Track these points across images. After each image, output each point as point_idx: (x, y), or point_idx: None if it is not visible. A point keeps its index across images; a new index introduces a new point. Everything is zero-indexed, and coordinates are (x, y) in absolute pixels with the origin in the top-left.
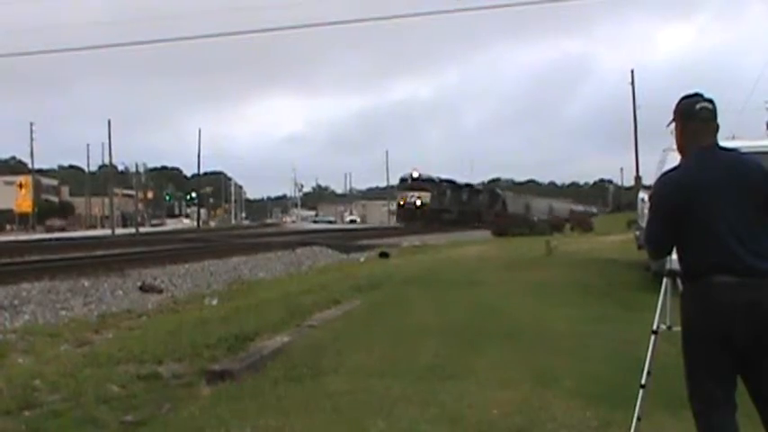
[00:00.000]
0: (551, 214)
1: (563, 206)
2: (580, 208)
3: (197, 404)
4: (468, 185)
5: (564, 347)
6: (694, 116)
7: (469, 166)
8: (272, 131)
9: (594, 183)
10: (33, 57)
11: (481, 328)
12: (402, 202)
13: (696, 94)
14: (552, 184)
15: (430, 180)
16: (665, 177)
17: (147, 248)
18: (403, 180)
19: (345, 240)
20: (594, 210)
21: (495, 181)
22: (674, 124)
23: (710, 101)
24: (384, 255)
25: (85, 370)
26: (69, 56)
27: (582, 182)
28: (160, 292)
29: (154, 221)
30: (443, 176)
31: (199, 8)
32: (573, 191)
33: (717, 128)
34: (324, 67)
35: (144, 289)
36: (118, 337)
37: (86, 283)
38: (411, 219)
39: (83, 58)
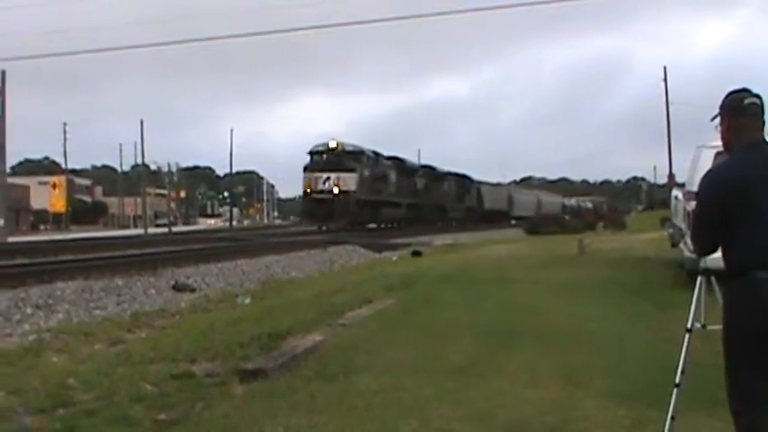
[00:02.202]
0: (539, 211)
1: (553, 200)
2: (587, 204)
3: (230, 403)
4: (427, 168)
5: (596, 346)
6: (742, 111)
7: (501, 165)
8: (306, 130)
9: (627, 180)
10: (66, 57)
11: (513, 327)
12: (308, 189)
13: (744, 90)
14: (585, 182)
15: (357, 154)
16: (712, 173)
17: (179, 248)
18: (313, 154)
19: (378, 239)
20: (603, 203)
21: (527, 179)
22: (718, 119)
23: (758, 96)
24: (416, 253)
25: (119, 369)
26: (102, 56)
27: (615, 179)
28: (193, 291)
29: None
30: (389, 154)
31: (232, 7)
32: (605, 189)
33: (764, 124)
34: (358, 66)
35: (177, 288)
36: (151, 336)
37: (120, 283)
38: (324, 215)
39: (115, 59)
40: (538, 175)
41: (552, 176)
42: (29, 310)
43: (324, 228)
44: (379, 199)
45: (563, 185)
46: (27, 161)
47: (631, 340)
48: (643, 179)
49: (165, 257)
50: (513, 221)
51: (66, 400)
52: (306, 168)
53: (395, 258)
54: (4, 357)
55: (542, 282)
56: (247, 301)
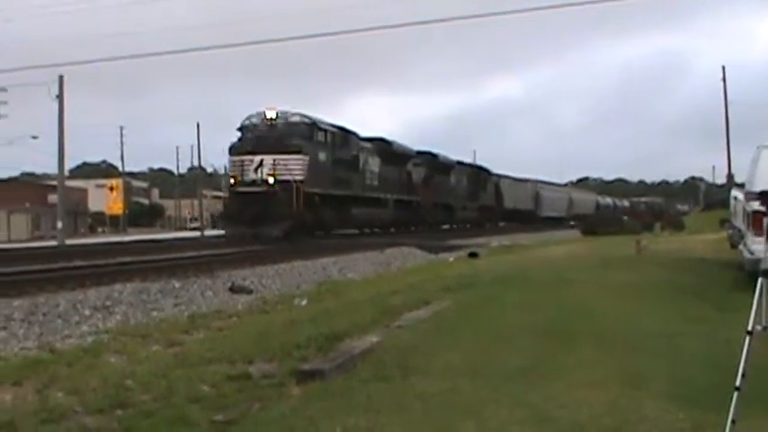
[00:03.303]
0: (570, 211)
1: (586, 198)
2: (623, 203)
3: (287, 404)
4: (427, 155)
5: (655, 348)
6: None
7: (559, 166)
8: (362, 131)
9: (685, 181)
10: (123, 61)
11: (571, 328)
12: (234, 181)
13: None
14: (642, 182)
15: (308, 128)
16: None
17: (236, 249)
18: (243, 130)
19: (434, 240)
20: (660, 203)
21: (584, 180)
22: None
23: None
24: (473, 255)
25: (176, 370)
26: (157, 60)
27: (672, 180)
28: (249, 292)
29: None
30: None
31: (287, 10)
32: (663, 189)
33: None
34: (416, 67)
35: (233, 290)
36: (208, 337)
37: (177, 284)
38: (252, 218)
39: (171, 62)
40: (594, 175)
41: (609, 177)
42: (87, 312)
43: (256, 237)
44: (347, 193)
45: (619, 186)
46: (85, 164)
47: (691, 342)
48: (701, 179)
49: (221, 259)
50: (540, 223)
51: (124, 400)
52: (231, 150)
53: (451, 260)
54: (63, 358)
55: (600, 283)
56: (304, 302)
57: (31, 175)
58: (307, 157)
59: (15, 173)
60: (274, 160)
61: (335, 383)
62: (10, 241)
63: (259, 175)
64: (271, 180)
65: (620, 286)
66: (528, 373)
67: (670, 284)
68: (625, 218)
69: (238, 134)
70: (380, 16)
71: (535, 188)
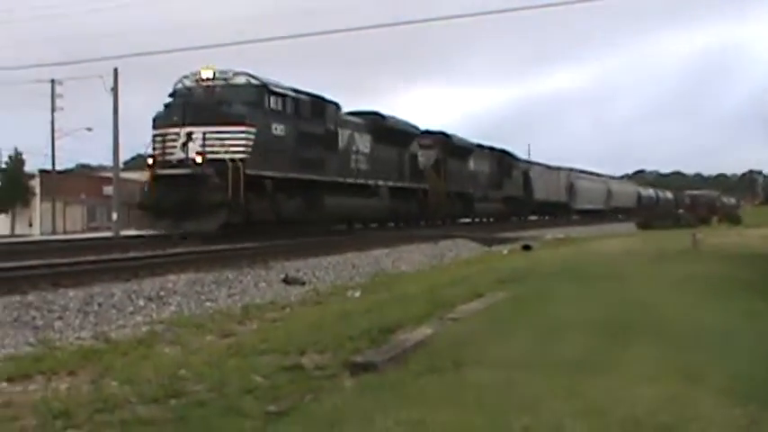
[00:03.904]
0: (608, 203)
1: (626, 190)
2: (666, 195)
3: (340, 395)
4: (439, 135)
5: (712, 343)
6: None
7: (614, 158)
8: (418, 124)
9: (743, 174)
10: (177, 53)
11: (626, 322)
12: (153, 161)
13: None
14: (698, 175)
15: (254, 91)
16: None
17: (290, 241)
18: (173, 96)
19: (488, 233)
20: (717, 197)
21: (640, 173)
22: None
23: None
24: (527, 247)
25: (230, 360)
26: (215, 51)
27: (729, 173)
28: (303, 284)
29: None
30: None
31: (343, 3)
32: (720, 182)
33: None
34: (470, 59)
35: (287, 281)
36: (261, 328)
37: (230, 275)
38: (177, 209)
39: (227, 54)
40: (649, 168)
41: (665, 170)
42: (141, 303)
43: (180, 235)
44: (319, 178)
45: (675, 179)
46: (140, 156)
47: (748, 338)
48: (759, 173)
49: (275, 250)
50: (576, 216)
51: (177, 390)
52: (155, 121)
53: (505, 252)
54: (117, 348)
55: (656, 277)
56: (357, 294)
57: (87, 167)
58: (252, 130)
59: (71, 165)
60: (204, 134)
61: (388, 376)
62: (66, 232)
63: (186, 153)
64: (198, 159)
65: (676, 280)
66: (582, 367)
67: (727, 279)
68: (680, 211)
69: (169, 101)
70: (436, 7)
71: (569, 177)
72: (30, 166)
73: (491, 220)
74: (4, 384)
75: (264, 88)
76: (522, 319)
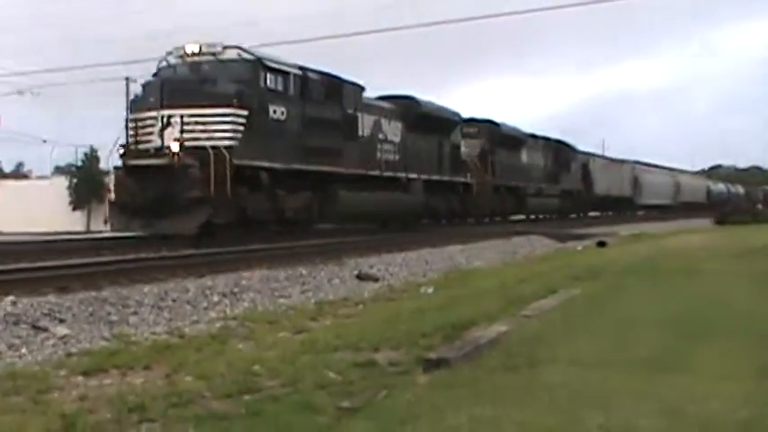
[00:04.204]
0: (677, 197)
1: (696, 184)
2: (738, 189)
3: (413, 392)
4: (486, 123)
5: None
6: None
7: (692, 153)
8: (494, 118)
9: None
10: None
11: (702, 320)
12: (125, 150)
13: None
14: None
15: (247, 67)
16: None
17: (364, 237)
18: (157, 76)
19: (561, 229)
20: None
21: (716, 168)
22: None
23: None
24: (601, 244)
25: (303, 356)
26: (287, 47)
27: None
28: (376, 280)
29: None
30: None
31: None
32: None
33: None
34: (542, 53)
35: (360, 277)
36: (335, 324)
37: (304, 272)
38: (151, 207)
39: (299, 50)
40: (726, 163)
41: (742, 165)
42: (215, 298)
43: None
44: (332, 170)
45: (753, 174)
46: None
47: None
48: None
49: (348, 246)
50: (642, 212)
51: (251, 386)
52: (132, 105)
53: (579, 248)
54: (191, 343)
55: (734, 273)
56: (431, 290)
57: None
58: (242, 112)
59: None
60: (182, 117)
61: (462, 372)
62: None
63: (164, 140)
64: (175, 147)
65: (756, 277)
66: (657, 365)
67: None
68: (759, 206)
69: (150, 80)
70: (507, 3)
71: (633, 171)
72: (105, 164)
73: (546, 217)
74: (80, 378)
75: (259, 64)
76: (597, 317)
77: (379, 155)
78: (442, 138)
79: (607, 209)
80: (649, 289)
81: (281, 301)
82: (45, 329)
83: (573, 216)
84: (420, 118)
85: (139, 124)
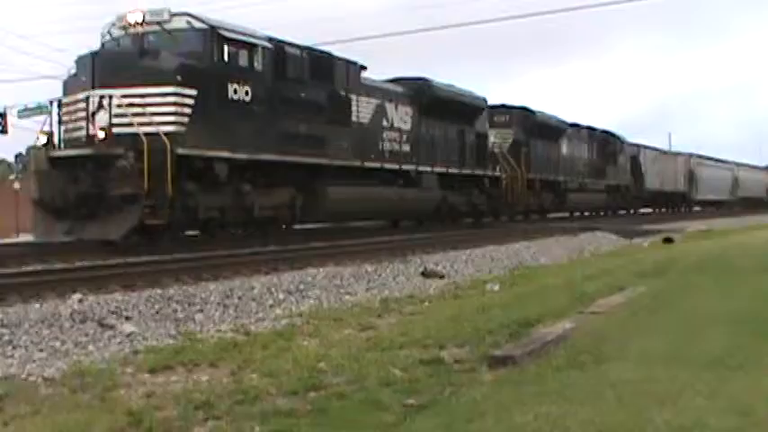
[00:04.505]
0: (735, 192)
1: (756, 177)
2: None
3: (479, 389)
4: (519, 110)
5: None
6: None
7: (758, 148)
8: (557, 114)
9: None
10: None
11: None
12: (45, 140)
13: None
14: None
15: (201, 36)
16: None
17: (428, 234)
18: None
19: (628, 225)
20: None
21: None
22: None
23: None
24: (668, 240)
25: (369, 354)
26: (353, 45)
27: None
28: (441, 277)
29: None
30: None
31: None
32: None
33: None
34: (612, 48)
35: (426, 274)
36: (400, 321)
37: (369, 269)
38: (75, 208)
39: (360, 47)
40: None
41: None
42: (281, 296)
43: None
44: (304, 161)
45: None
46: None
47: None
48: None
49: (414, 244)
50: (698, 207)
51: (317, 383)
52: (64, 87)
53: (646, 245)
54: (257, 341)
55: None
56: (496, 287)
57: None
58: (190, 92)
59: None
60: (111, 98)
61: (528, 370)
62: None
63: (92, 127)
64: (101, 134)
65: None
66: (726, 362)
67: None
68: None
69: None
70: None
71: (689, 164)
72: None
73: (588, 213)
74: (147, 375)
75: (214, 33)
76: (664, 314)
77: (381, 144)
78: (465, 126)
79: (660, 205)
80: (718, 286)
81: (347, 298)
82: (112, 327)
83: (622, 213)
84: (435, 102)
85: (69, 108)
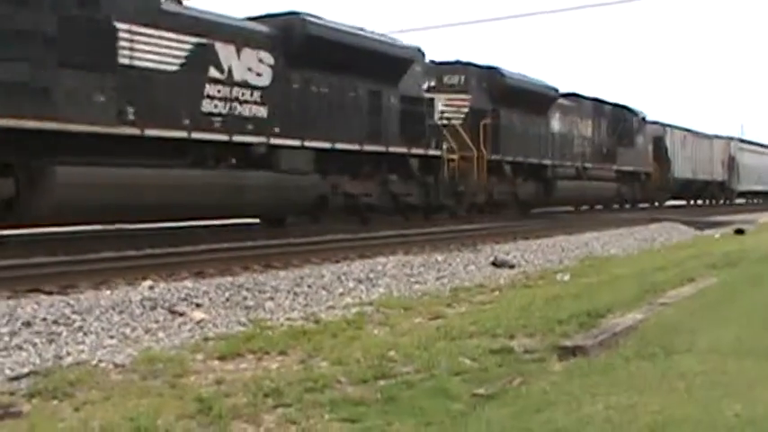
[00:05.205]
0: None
1: None
2: None
3: (548, 379)
4: (485, 71)
5: None
6: None
7: None
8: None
9: None
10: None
11: None
12: None
13: None
14: None
15: None
16: None
17: (499, 224)
18: None
19: (699, 216)
20: None
21: None
22: None
23: None
24: (740, 231)
25: (438, 343)
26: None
27: None
28: (512, 267)
29: None
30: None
31: None
32: None
33: None
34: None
35: (496, 264)
36: (470, 311)
37: (439, 258)
38: None
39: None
40: None
41: None
42: (351, 284)
43: None
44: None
45: None
46: None
47: None
48: None
49: (484, 233)
50: (741, 200)
51: (386, 371)
52: None
53: (717, 236)
54: (327, 329)
55: None
56: (566, 278)
57: None
58: None
59: None
60: None
61: (597, 360)
62: None
63: None
64: None
65: None
66: None
67: None
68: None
69: None
70: None
71: (729, 149)
72: None
73: (590, 208)
74: (216, 363)
75: None
76: (735, 305)
77: (199, 103)
78: (381, 86)
79: (692, 196)
80: None
81: (417, 287)
82: (182, 314)
83: (644, 206)
84: (314, 48)
85: None
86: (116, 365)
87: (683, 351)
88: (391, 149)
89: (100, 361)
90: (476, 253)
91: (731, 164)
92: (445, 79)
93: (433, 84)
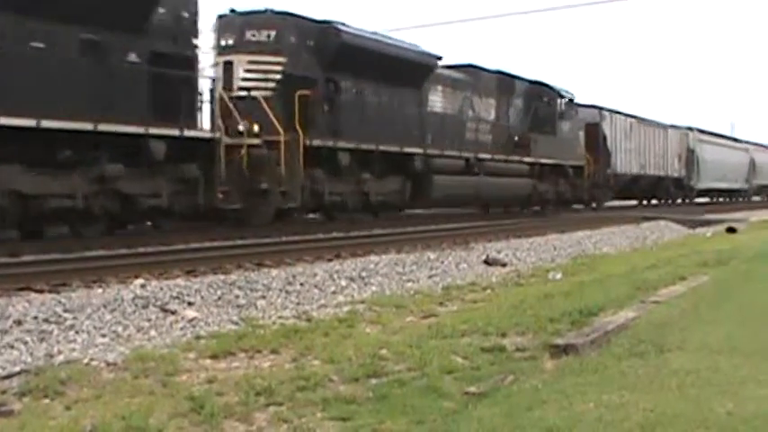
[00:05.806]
0: (751, 179)
1: None
2: None
3: (540, 377)
4: (313, 27)
5: None
6: None
7: None
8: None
9: None
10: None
11: None
12: None
13: None
14: None
15: None
16: None
17: (491, 222)
18: None
19: (691, 215)
20: None
21: None
22: None
23: None
24: (731, 230)
25: (430, 341)
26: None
27: None
28: (504, 265)
29: None
30: None
31: None
32: None
33: None
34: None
35: (488, 262)
36: (462, 309)
37: (431, 256)
38: None
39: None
40: None
41: None
42: (343, 282)
43: None
44: None
45: None
46: None
47: None
48: None
49: (476, 232)
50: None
51: (378, 370)
52: None
53: (709, 235)
54: (319, 327)
55: None
56: (558, 276)
57: None
58: None
59: None
60: None
61: (589, 359)
62: None
63: None
64: None
65: None
66: None
67: None
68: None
69: None
70: None
71: (687, 141)
72: None
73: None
74: (208, 361)
75: None
76: (727, 303)
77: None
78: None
79: (640, 195)
80: None
81: (409, 285)
82: (174, 312)
83: (578, 207)
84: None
85: None
86: (108, 364)
87: (674, 349)
88: (113, 128)
89: (91, 359)
90: (468, 251)
91: (690, 158)
92: (248, 35)
93: (231, 42)
